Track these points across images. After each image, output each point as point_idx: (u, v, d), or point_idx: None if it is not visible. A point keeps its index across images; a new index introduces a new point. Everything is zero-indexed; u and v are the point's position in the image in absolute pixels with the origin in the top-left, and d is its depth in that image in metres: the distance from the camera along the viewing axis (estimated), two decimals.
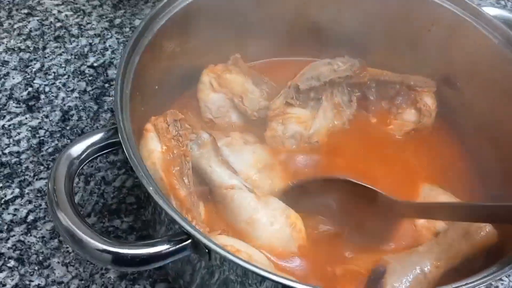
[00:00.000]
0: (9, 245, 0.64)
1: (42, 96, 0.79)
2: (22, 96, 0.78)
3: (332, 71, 0.70)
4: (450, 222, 0.63)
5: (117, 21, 0.89)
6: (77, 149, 0.49)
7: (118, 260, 0.45)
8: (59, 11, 0.90)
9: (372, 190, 0.62)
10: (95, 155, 0.50)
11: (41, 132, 0.75)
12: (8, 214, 0.67)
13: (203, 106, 0.70)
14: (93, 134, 0.51)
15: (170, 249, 0.45)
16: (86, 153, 0.49)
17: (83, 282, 0.62)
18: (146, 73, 0.59)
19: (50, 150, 0.73)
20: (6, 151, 0.72)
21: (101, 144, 0.50)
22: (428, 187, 0.68)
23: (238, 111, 0.71)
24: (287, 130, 0.68)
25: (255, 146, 0.68)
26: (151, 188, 0.45)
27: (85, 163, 0.50)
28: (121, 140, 0.48)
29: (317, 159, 0.70)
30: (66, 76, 0.81)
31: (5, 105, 0.77)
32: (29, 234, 0.65)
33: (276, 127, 0.68)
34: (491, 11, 0.69)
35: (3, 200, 0.68)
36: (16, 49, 0.84)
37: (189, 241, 0.46)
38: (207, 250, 0.45)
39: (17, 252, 0.64)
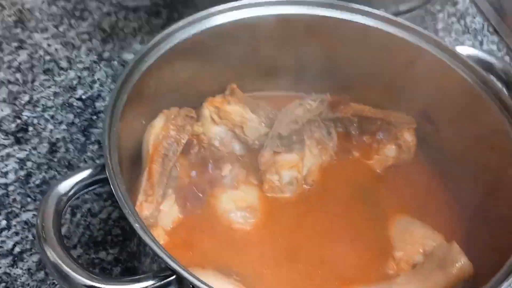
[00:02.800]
0: None
1: (30, 128, 0.80)
2: (10, 128, 0.79)
3: (306, 111, 0.73)
4: (427, 254, 0.65)
5: (106, 54, 0.91)
6: (65, 186, 0.50)
7: None
8: (48, 45, 0.91)
9: None
10: (83, 191, 0.52)
11: (29, 164, 0.76)
12: None
13: (206, 139, 0.71)
14: (81, 171, 0.52)
15: (155, 284, 0.47)
16: (74, 190, 0.51)
17: None
18: (133, 109, 0.61)
19: (37, 182, 0.74)
20: None
21: (89, 181, 0.52)
22: (406, 219, 0.70)
23: (240, 141, 0.73)
24: (283, 178, 0.70)
25: (250, 187, 0.70)
26: (137, 225, 0.47)
27: (72, 199, 0.51)
28: (109, 178, 0.50)
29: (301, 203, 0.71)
30: (54, 108, 0.83)
31: None
32: (15, 266, 0.66)
33: (272, 178, 0.70)
34: (466, 50, 0.72)
35: None
36: (5, 81, 0.85)
37: (174, 276, 0.47)
38: (192, 287, 0.46)
39: (3, 284, 0.64)
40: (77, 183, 0.51)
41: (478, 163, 0.70)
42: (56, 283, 0.65)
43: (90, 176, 0.52)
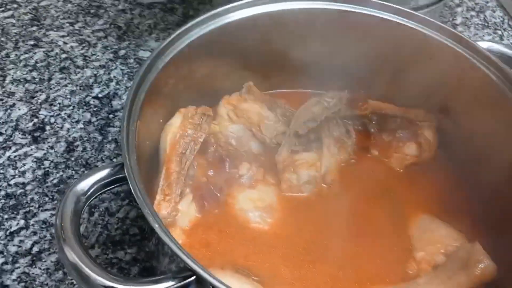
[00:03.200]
0: (13, 277, 0.65)
1: (47, 127, 0.80)
2: (27, 127, 0.79)
3: (324, 108, 0.72)
4: (449, 255, 0.64)
5: (122, 52, 0.91)
6: (83, 186, 0.50)
7: None
8: (64, 43, 0.92)
9: None
10: (102, 191, 0.51)
11: (46, 163, 0.76)
12: (13, 245, 0.67)
13: (223, 138, 0.71)
14: (100, 170, 0.52)
15: (175, 285, 0.46)
16: (92, 189, 0.50)
17: None
18: (151, 107, 0.60)
19: (55, 181, 0.74)
20: (12, 182, 0.73)
21: (107, 180, 0.51)
22: (427, 219, 0.69)
23: (257, 140, 0.72)
24: (301, 177, 0.69)
25: (268, 186, 0.69)
26: (156, 225, 0.46)
27: (91, 199, 0.51)
28: (128, 177, 0.49)
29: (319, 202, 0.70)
30: (71, 107, 0.83)
31: (10, 136, 0.78)
32: (34, 266, 0.66)
33: (290, 178, 0.69)
34: (485, 45, 0.71)
35: (8, 231, 0.69)
36: (22, 80, 0.85)
37: (193, 277, 0.46)
38: (211, 287, 0.46)
39: (22, 284, 0.64)
40: (95, 183, 0.50)
41: (500, 160, 0.69)
42: (74, 283, 0.65)
43: (108, 175, 0.51)
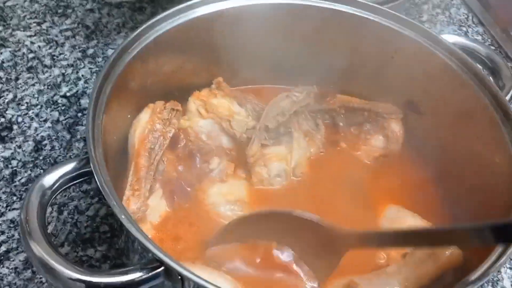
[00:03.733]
0: None
1: (15, 127, 0.79)
2: None
3: (293, 102, 0.73)
4: None
5: (90, 51, 0.91)
6: (49, 180, 0.50)
7: None
8: (31, 42, 0.90)
9: (314, 223, 0.61)
10: (68, 185, 0.51)
11: (14, 162, 0.75)
12: None
13: (193, 133, 0.71)
14: (65, 164, 0.51)
15: (143, 276, 0.46)
16: (58, 183, 0.50)
17: None
18: (118, 102, 0.60)
19: (23, 180, 0.73)
20: None
21: (73, 174, 0.51)
22: (394, 208, 0.70)
23: (227, 135, 0.72)
24: (271, 170, 0.70)
25: (238, 180, 0.70)
26: (123, 216, 0.46)
27: (57, 193, 0.50)
28: (93, 170, 0.49)
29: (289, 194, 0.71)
30: (39, 106, 0.82)
31: None
32: (1, 266, 0.65)
33: (260, 171, 0.69)
34: (451, 38, 0.72)
35: None
36: None
37: (162, 268, 0.46)
38: (179, 277, 0.46)
39: None
40: (61, 177, 0.50)
41: (464, 151, 0.70)
42: (43, 281, 0.64)
43: (74, 169, 0.51)
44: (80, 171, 0.51)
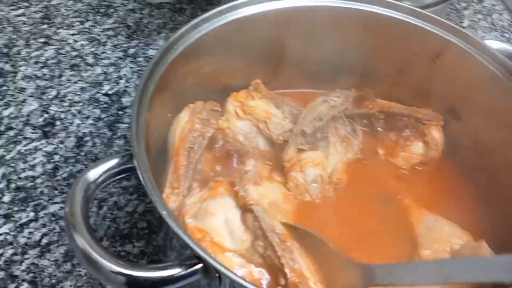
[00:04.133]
0: (23, 267, 0.66)
1: (58, 123, 0.81)
2: (38, 122, 0.81)
3: (330, 107, 0.73)
4: (455, 253, 0.63)
5: (131, 51, 0.92)
6: (93, 174, 0.51)
7: (131, 282, 0.46)
8: (74, 41, 0.93)
9: (334, 251, 0.58)
10: (111, 180, 0.52)
11: (56, 157, 0.77)
12: (23, 237, 0.68)
13: (230, 134, 0.71)
14: (109, 160, 0.52)
15: (182, 272, 0.47)
16: (102, 178, 0.51)
17: None
18: (159, 101, 0.61)
19: (64, 175, 0.75)
20: (22, 175, 0.74)
21: (116, 169, 0.52)
22: (432, 217, 0.68)
23: (264, 137, 0.72)
24: (307, 176, 0.69)
25: (273, 184, 0.69)
26: (164, 212, 0.47)
27: (101, 187, 0.51)
28: (136, 166, 0.50)
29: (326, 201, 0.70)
30: (81, 104, 0.84)
31: (21, 130, 0.79)
32: (42, 257, 0.67)
33: (296, 176, 0.69)
34: (494, 44, 0.71)
35: (18, 223, 0.69)
36: (33, 76, 0.87)
37: (200, 265, 0.47)
38: (217, 275, 0.46)
39: (31, 275, 0.65)
40: (105, 171, 0.51)
41: (505, 161, 0.69)
42: (82, 274, 0.66)
43: (117, 165, 0.52)
44: (123, 167, 0.52)
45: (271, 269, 0.55)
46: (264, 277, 0.56)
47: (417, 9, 0.71)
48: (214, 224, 0.57)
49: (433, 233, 0.67)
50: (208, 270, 0.47)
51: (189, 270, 0.47)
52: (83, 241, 0.46)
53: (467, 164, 0.74)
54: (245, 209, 0.58)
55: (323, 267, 0.58)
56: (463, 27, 1.04)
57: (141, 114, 0.54)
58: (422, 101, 0.76)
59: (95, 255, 0.46)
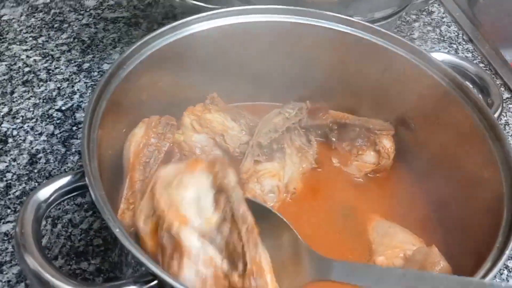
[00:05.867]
0: None
1: (10, 140, 0.79)
2: None
3: (285, 119, 0.74)
4: (408, 258, 0.65)
5: (86, 65, 0.92)
6: (44, 193, 0.50)
7: None
8: (27, 56, 0.91)
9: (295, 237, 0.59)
10: (62, 198, 0.52)
11: (9, 175, 0.75)
12: None
13: (187, 147, 0.71)
14: (60, 178, 0.52)
15: None
16: (53, 197, 0.50)
17: None
18: (113, 117, 0.61)
19: (17, 193, 0.73)
20: None
21: (68, 188, 0.52)
22: (385, 224, 0.70)
23: (221, 149, 0.73)
24: (264, 187, 0.70)
25: None
26: (117, 230, 0.47)
27: (52, 206, 0.51)
28: (88, 184, 0.50)
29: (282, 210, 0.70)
30: (34, 120, 0.82)
31: None
32: None
33: (253, 188, 0.70)
34: (439, 56, 0.74)
35: None
36: None
37: (155, 282, 0.47)
38: None
39: None
40: (56, 190, 0.51)
41: (454, 167, 0.71)
42: None
43: (69, 183, 0.52)
44: (75, 185, 0.52)
45: (230, 254, 0.55)
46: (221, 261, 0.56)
47: (366, 23, 0.73)
48: (184, 196, 0.56)
49: (387, 239, 0.69)
50: (164, 287, 0.47)
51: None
52: (34, 262, 0.46)
53: (418, 171, 0.76)
54: (221, 189, 0.58)
55: (278, 255, 0.57)
56: (413, 39, 1.08)
57: (93, 131, 0.54)
58: (373, 112, 0.78)
59: (47, 276, 0.45)
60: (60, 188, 0.51)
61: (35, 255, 0.46)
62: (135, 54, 0.64)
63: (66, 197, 0.52)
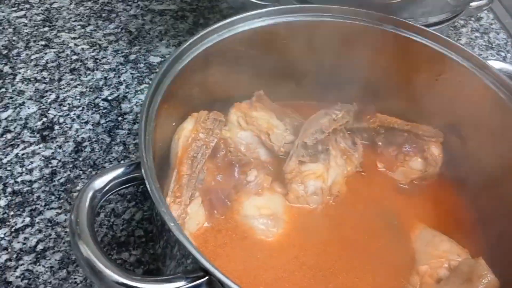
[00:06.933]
0: (17, 273, 0.65)
1: (56, 127, 0.80)
2: (36, 126, 0.80)
3: (332, 120, 0.73)
4: (452, 269, 0.64)
5: (132, 56, 0.92)
6: (100, 183, 0.50)
7: None
8: (75, 44, 0.92)
9: None
10: (117, 189, 0.52)
11: (54, 162, 0.76)
12: (18, 242, 0.67)
13: (232, 144, 0.71)
14: (115, 168, 0.52)
15: (187, 285, 0.46)
16: (108, 187, 0.51)
17: None
18: (166, 110, 0.61)
19: (62, 180, 0.74)
20: (19, 179, 0.73)
21: (123, 178, 0.52)
22: (430, 232, 0.69)
23: (265, 147, 0.72)
24: (308, 188, 0.69)
25: (274, 195, 0.70)
26: (172, 224, 0.47)
27: (107, 196, 0.51)
28: (144, 176, 0.50)
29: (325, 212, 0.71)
30: (80, 108, 0.83)
31: (19, 134, 0.78)
32: (37, 264, 0.66)
33: (297, 188, 0.69)
34: (496, 64, 0.72)
35: (14, 228, 0.69)
36: (32, 79, 0.86)
37: (206, 278, 0.46)
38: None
39: (25, 281, 0.64)
40: (111, 180, 0.51)
41: (504, 181, 0.69)
42: (78, 282, 0.65)
43: (124, 174, 0.52)
44: (130, 176, 0.52)
45: None
46: None
47: (422, 27, 0.72)
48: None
49: (431, 248, 0.68)
50: (213, 283, 0.47)
51: (194, 283, 0.46)
52: (87, 250, 0.46)
53: (466, 182, 0.75)
54: None
55: None
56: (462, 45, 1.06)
57: (149, 124, 0.54)
58: (423, 117, 0.76)
59: (100, 265, 0.45)
60: (114, 178, 0.51)
61: (90, 244, 0.46)
62: (190, 49, 0.64)
63: (120, 187, 0.52)
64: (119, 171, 0.52)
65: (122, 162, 0.78)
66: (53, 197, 0.72)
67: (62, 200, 0.72)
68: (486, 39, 1.10)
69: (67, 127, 0.80)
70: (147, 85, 0.86)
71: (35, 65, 0.88)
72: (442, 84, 0.73)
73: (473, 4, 0.93)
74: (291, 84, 0.79)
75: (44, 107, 0.82)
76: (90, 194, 0.49)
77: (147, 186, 0.49)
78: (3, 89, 0.84)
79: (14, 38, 0.91)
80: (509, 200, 0.69)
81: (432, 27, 0.83)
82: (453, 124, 0.75)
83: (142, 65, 0.91)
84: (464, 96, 0.72)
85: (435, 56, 0.72)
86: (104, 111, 0.83)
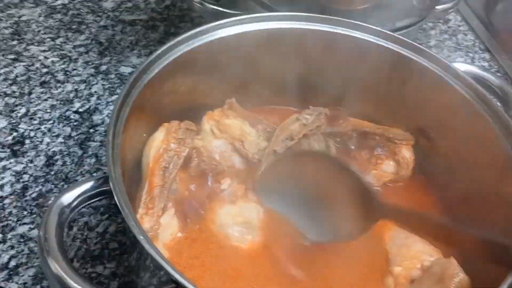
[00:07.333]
0: None
1: (27, 141, 0.79)
2: (7, 141, 0.79)
3: (303, 126, 0.74)
4: (425, 269, 0.65)
5: (103, 67, 0.91)
6: (68, 198, 0.50)
7: None
8: (45, 57, 0.91)
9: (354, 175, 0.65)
10: (85, 204, 0.52)
11: (25, 177, 0.75)
12: None
13: (206, 153, 0.71)
14: (84, 183, 0.52)
15: None
16: (76, 202, 0.50)
17: None
18: (135, 121, 0.61)
19: (34, 195, 0.73)
20: None
21: (91, 193, 0.52)
22: (403, 234, 0.70)
23: (240, 155, 0.73)
24: None
25: (248, 203, 0.70)
26: (141, 237, 0.46)
27: (75, 211, 0.51)
28: (113, 190, 0.49)
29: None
30: (51, 121, 0.82)
31: None
32: (10, 280, 0.65)
33: None
34: (462, 66, 0.73)
35: None
36: (1, 94, 0.85)
37: None
38: None
39: None
40: (80, 195, 0.51)
41: (475, 180, 0.70)
42: None
43: (92, 188, 0.52)
44: (98, 190, 0.52)
45: None
46: None
47: (389, 32, 0.73)
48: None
49: (404, 249, 0.68)
50: None
51: None
52: (57, 267, 0.46)
53: (437, 182, 0.76)
54: None
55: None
56: (430, 47, 1.07)
57: (117, 137, 0.54)
58: (393, 121, 0.77)
59: (70, 282, 0.45)
60: (83, 193, 0.51)
61: (58, 259, 0.46)
62: (159, 59, 0.64)
63: (88, 202, 0.52)
64: (88, 185, 0.51)
65: (94, 174, 0.77)
66: (25, 212, 0.72)
67: (34, 215, 0.72)
68: (455, 40, 1.12)
69: (38, 141, 0.80)
70: None
71: (4, 79, 0.87)
72: (410, 88, 0.74)
73: (439, 7, 0.94)
74: (263, 90, 0.79)
75: (14, 121, 0.81)
76: (58, 210, 0.49)
77: (116, 199, 0.49)
78: None
79: None
80: (480, 200, 0.70)
81: (400, 31, 0.85)
82: (423, 127, 0.76)
83: (113, 75, 0.90)
84: (431, 99, 0.73)
85: (401, 60, 0.73)
86: (75, 123, 0.83)
